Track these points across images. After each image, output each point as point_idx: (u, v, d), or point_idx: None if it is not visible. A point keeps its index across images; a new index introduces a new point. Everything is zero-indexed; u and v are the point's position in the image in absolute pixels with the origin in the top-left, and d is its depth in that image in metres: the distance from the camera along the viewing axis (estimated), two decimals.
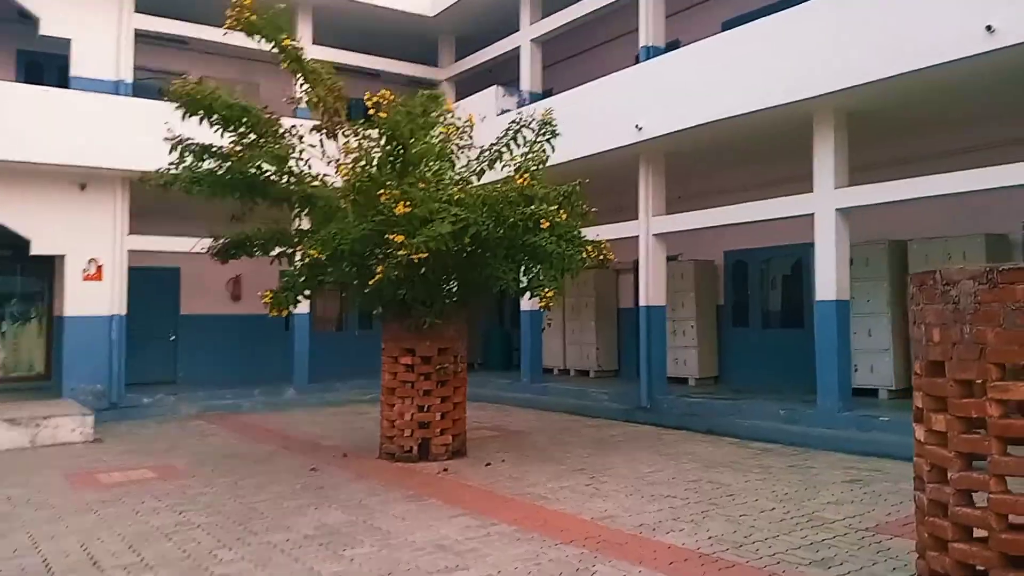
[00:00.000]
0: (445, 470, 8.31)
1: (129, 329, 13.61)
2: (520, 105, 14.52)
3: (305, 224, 9.36)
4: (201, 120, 8.04)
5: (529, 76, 14.98)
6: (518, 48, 15.24)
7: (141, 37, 14.05)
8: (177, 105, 7.98)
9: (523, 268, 8.16)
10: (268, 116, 8.28)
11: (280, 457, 9.36)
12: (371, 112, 7.68)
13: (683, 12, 13.80)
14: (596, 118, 12.02)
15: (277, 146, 8.02)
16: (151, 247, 13.85)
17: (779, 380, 12.92)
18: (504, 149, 8.98)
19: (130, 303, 13.60)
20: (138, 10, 13.81)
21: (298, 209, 8.77)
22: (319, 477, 8.12)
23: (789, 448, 9.45)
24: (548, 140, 8.88)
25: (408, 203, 7.40)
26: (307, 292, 8.08)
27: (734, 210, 11.02)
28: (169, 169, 8.27)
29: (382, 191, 7.57)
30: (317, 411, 13.94)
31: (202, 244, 9.71)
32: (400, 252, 7.25)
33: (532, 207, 7.59)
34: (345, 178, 8.37)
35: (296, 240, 8.93)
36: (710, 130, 10.87)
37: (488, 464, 8.60)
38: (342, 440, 10.58)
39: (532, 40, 14.95)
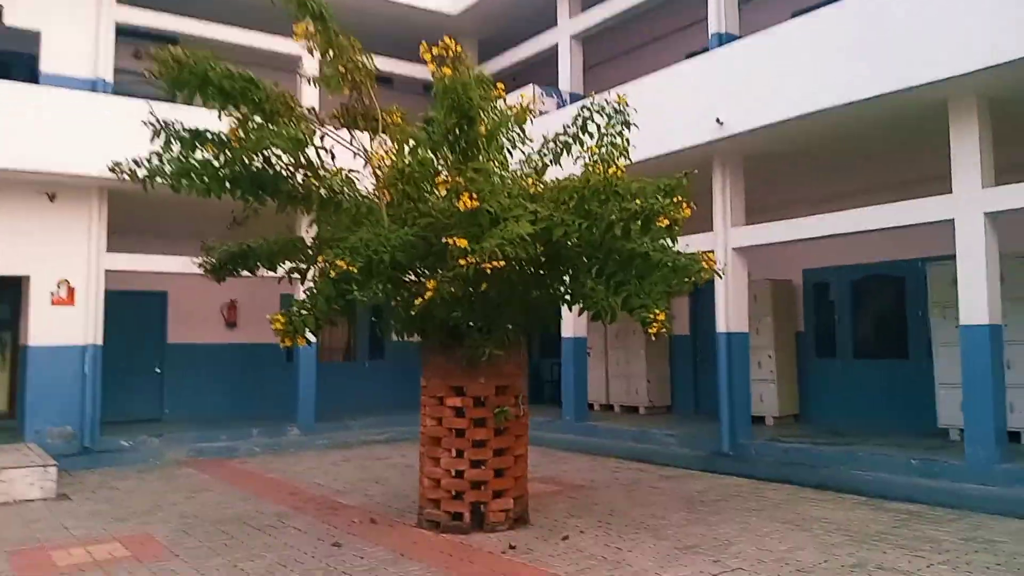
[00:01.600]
0: (512, 547, 6.29)
1: (107, 361, 11.60)
2: (560, 107, 12.66)
3: (323, 232, 7.37)
4: (193, 96, 6.07)
5: (569, 75, 13.10)
6: (552, 48, 13.40)
7: (125, 34, 12.12)
8: (161, 76, 6.01)
9: (614, 282, 6.21)
10: (280, 92, 6.33)
11: (290, 522, 7.33)
12: (431, 68, 5.73)
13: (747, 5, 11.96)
14: (666, 113, 10.10)
15: (293, 127, 6.06)
16: (133, 267, 11.84)
17: (878, 420, 10.95)
18: (572, 140, 7.08)
19: (108, 331, 11.59)
20: (120, 1, 11.92)
21: (318, 211, 6.80)
22: (346, 554, 6.11)
23: (939, 510, 7.46)
24: (621, 132, 6.93)
25: (475, 196, 5.45)
26: (333, 314, 6.08)
27: (847, 217, 9.08)
28: (151, 159, 6.28)
29: (440, 179, 5.63)
30: (327, 455, 11.87)
31: (193, 261, 7.76)
32: (466, 261, 5.29)
33: (637, 202, 5.64)
34: (379, 170, 6.44)
35: (314, 251, 6.97)
36: (806, 125, 9.00)
37: (565, 537, 6.59)
38: (364, 497, 8.54)
39: (572, 36, 13.10)
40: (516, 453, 6.95)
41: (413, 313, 6.02)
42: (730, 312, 10.19)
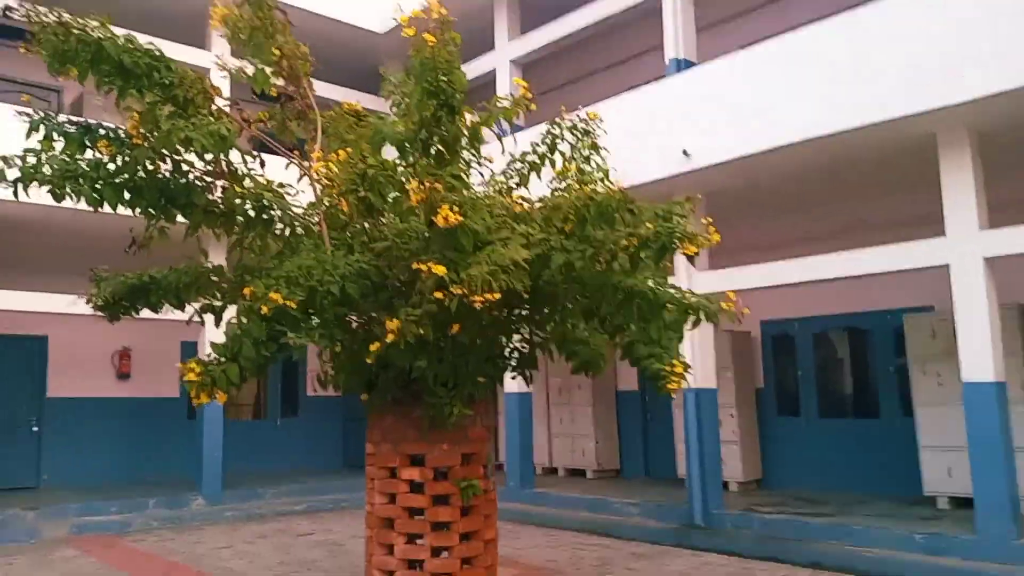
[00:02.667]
0: None
1: None
2: (501, 137, 11.62)
3: (248, 259, 5.99)
4: (84, 75, 4.71)
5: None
6: (493, 72, 12.43)
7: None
8: (41, 46, 4.63)
9: (611, 326, 5.12)
10: (198, 76, 5.03)
11: None
12: (408, 34, 4.54)
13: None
14: (627, 143, 9.19)
15: (214, 121, 4.75)
16: (5, 305, 10.06)
17: (849, 485, 10.12)
18: (540, 160, 6.00)
19: None
20: None
21: (242, 232, 5.45)
22: None
23: None
24: (589, 157, 5.91)
25: (455, 209, 4.27)
26: (262, 362, 4.72)
27: (825, 262, 8.30)
28: (25, 158, 4.84)
29: (413, 185, 4.43)
30: (237, 530, 10.18)
31: (79, 296, 6.30)
32: (447, 293, 4.10)
33: (648, 225, 4.57)
34: (324, 180, 5.21)
35: (236, 282, 5.62)
36: (775, 159, 8.32)
37: None
38: None
39: (512, 60, 12.20)
40: (486, 538, 5.65)
41: (369, 361, 4.73)
42: (697, 366, 9.21)
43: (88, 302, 6.15)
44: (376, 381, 5.47)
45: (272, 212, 5.07)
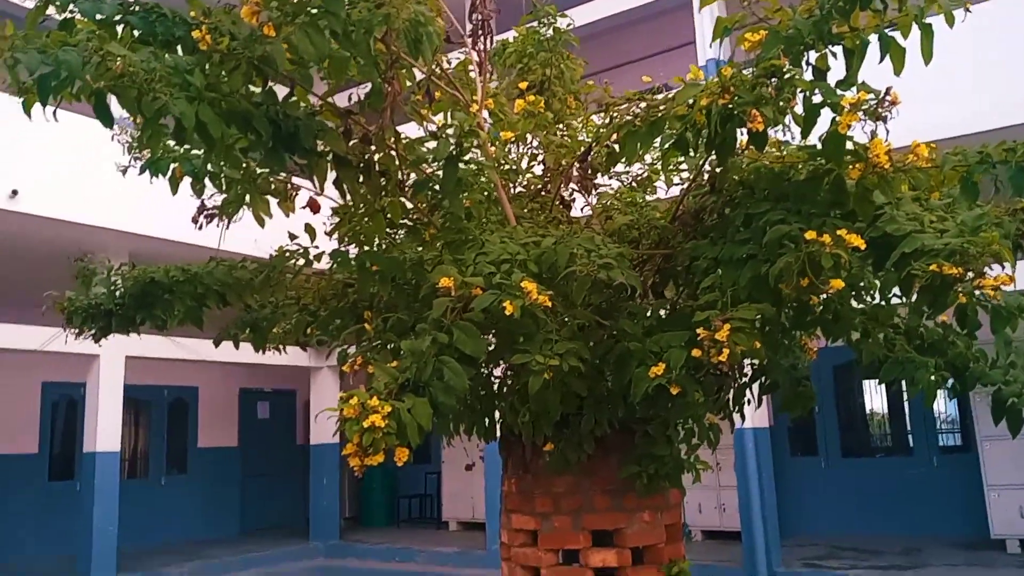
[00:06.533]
0: None
1: None
2: None
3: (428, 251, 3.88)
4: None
5: None
6: None
7: None
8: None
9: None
10: None
11: None
12: None
13: None
14: None
15: None
16: None
17: (889, 530, 9.21)
18: None
19: None
20: None
21: (410, 199, 3.53)
22: None
23: None
24: None
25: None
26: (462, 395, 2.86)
27: None
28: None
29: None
30: None
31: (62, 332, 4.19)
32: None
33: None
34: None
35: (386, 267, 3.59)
36: None
37: None
38: None
39: None
40: None
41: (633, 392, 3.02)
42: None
43: (67, 317, 4.05)
44: (571, 421, 3.72)
45: (467, 164, 3.20)
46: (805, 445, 10.29)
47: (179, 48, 3.03)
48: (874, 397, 10.40)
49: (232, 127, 2.99)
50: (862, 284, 3.17)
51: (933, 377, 3.50)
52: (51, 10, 2.89)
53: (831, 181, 2.66)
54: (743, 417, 4.13)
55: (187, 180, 3.35)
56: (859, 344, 3.47)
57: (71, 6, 2.89)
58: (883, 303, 3.28)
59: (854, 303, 3.34)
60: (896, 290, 2.71)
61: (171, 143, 3.25)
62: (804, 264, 2.47)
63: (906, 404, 9.76)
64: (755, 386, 3.90)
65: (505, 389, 3.61)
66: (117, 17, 2.94)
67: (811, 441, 10.25)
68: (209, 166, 3.31)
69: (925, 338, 3.38)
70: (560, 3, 4.22)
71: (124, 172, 3.51)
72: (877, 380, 3.99)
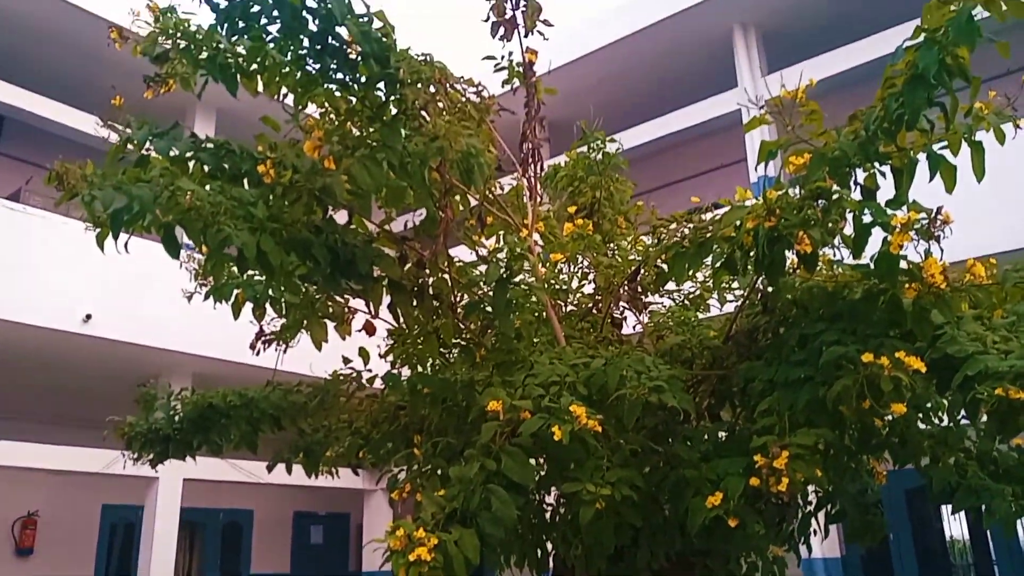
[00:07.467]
0: None
1: None
2: None
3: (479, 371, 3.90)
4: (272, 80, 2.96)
5: None
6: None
7: None
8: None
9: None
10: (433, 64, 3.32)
11: None
12: None
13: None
14: None
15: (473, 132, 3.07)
16: None
17: None
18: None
19: None
20: None
21: (464, 322, 3.58)
22: None
23: None
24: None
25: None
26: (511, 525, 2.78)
27: None
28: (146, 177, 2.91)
29: None
30: None
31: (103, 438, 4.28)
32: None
33: None
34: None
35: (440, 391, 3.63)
36: None
37: None
38: None
39: None
40: None
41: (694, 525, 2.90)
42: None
43: (126, 442, 4.11)
44: (626, 554, 3.58)
45: (517, 285, 3.25)
46: (881, 575, 9.63)
47: (245, 181, 3.19)
48: (953, 523, 9.76)
49: (292, 255, 3.09)
50: (928, 405, 3.07)
51: (1012, 506, 3.31)
52: (130, 147, 3.09)
53: (887, 300, 2.61)
54: (809, 549, 3.92)
55: (249, 304, 3.48)
56: (929, 470, 3.32)
57: (148, 144, 3.10)
58: (951, 425, 3.16)
59: (921, 425, 3.22)
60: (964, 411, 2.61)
61: (234, 270, 3.36)
62: (863, 387, 2.40)
63: (988, 531, 9.13)
64: (821, 515, 3.73)
65: (557, 518, 3.52)
66: (189, 154, 3.13)
67: (887, 571, 9.59)
68: (270, 291, 3.40)
69: (999, 463, 3.20)
70: (609, 127, 4.34)
71: (190, 298, 3.66)
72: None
